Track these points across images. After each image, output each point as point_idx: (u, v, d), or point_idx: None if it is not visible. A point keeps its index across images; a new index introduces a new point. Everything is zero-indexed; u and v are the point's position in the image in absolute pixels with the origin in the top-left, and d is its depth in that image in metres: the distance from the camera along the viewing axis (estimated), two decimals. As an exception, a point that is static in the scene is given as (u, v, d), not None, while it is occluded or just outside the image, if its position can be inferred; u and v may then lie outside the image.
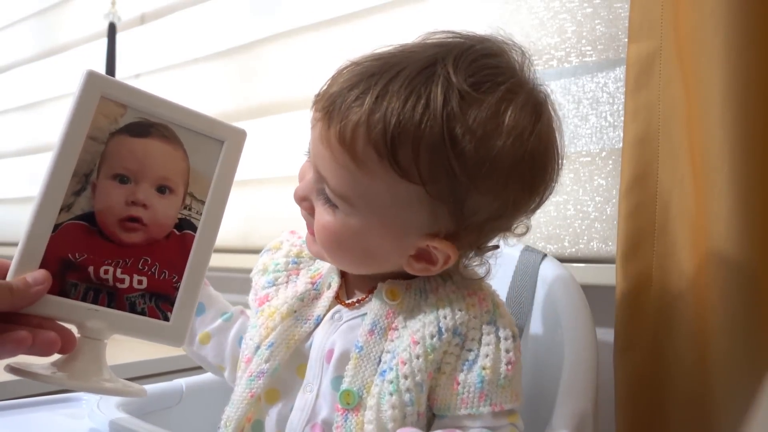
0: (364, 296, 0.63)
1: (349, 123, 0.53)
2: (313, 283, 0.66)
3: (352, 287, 0.66)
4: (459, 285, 0.61)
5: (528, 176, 0.57)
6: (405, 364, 0.56)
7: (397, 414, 0.55)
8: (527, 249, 0.82)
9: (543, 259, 0.80)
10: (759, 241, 0.69)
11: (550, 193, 0.60)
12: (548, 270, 0.79)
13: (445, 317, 0.57)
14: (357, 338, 0.60)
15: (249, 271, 0.73)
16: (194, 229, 0.60)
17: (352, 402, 0.57)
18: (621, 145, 0.83)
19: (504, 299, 0.80)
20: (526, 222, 0.62)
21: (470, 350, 0.57)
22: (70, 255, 0.56)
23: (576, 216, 0.97)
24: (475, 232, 0.58)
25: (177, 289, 0.59)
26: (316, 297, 0.65)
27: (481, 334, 0.57)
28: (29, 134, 2.31)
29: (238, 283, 1.23)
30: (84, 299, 0.56)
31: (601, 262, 0.93)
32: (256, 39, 1.52)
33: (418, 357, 0.56)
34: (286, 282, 0.68)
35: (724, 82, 0.70)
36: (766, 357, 0.69)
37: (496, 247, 0.63)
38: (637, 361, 0.80)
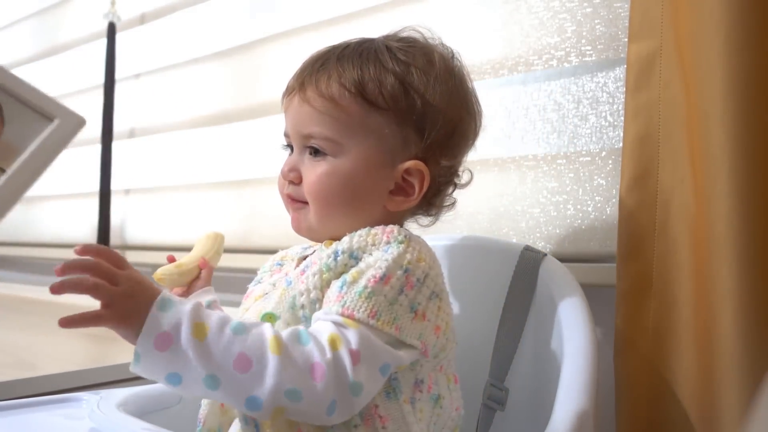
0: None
1: (322, 79, 0.66)
2: (286, 273, 0.70)
3: None
4: (376, 228, 0.64)
5: (461, 94, 0.71)
6: (303, 283, 0.62)
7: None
8: (527, 249, 0.82)
9: (543, 258, 0.80)
10: (759, 241, 0.69)
11: (481, 126, 0.73)
12: (548, 270, 0.79)
13: (343, 243, 0.63)
14: (288, 277, 0.66)
15: (249, 270, 0.73)
16: None
17: (272, 323, 0.61)
18: (621, 144, 0.83)
19: (504, 299, 0.80)
20: (469, 168, 0.74)
21: (355, 266, 0.61)
22: None
23: (576, 216, 0.97)
24: (438, 149, 0.68)
25: None
26: (279, 271, 0.73)
27: (371, 254, 0.61)
28: (29, 134, 2.32)
29: (238, 283, 1.23)
30: None
31: (601, 262, 0.93)
32: (255, 39, 1.52)
33: (314, 275, 0.62)
34: (270, 279, 0.73)
35: (724, 82, 0.70)
36: (767, 357, 0.69)
37: (453, 204, 0.74)
38: (637, 361, 0.80)
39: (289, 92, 0.71)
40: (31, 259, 2.28)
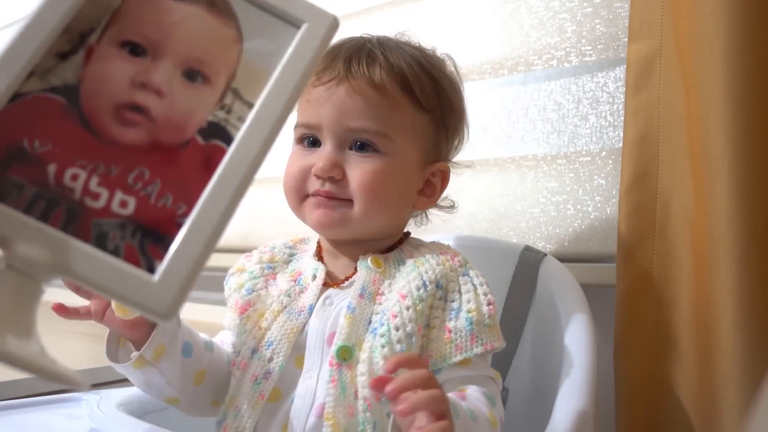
0: (351, 273, 0.67)
1: (374, 70, 0.65)
2: (294, 281, 0.68)
3: (338, 273, 0.69)
4: (430, 248, 0.68)
5: (463, 99, 0.74)
6: (396, 316, 0.61)
7: None
8: (527, 249, 0.82)
9: (543, 258, 0.80)
10: (759, 240, 0.69)
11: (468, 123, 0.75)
12: (548, 270, 0.79)
13: (426, 272, 0.63)
14: (349, 302, 0.63)
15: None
16: (229, 141, 0.40)
17: (348, 357, 0.61)
18: (621, 144, 0.83)
19: (504, 299, 0.80)
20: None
21: (453, 301, 0.63)
22: (25, 141, 0.37)
23: (576, 216, 0.97)
24: (453, 149, 0.73)
25: (180, 226, 0.37)
26: (302, 291, 0.67)
27: (459, 285, 0.64)
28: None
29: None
30: (28, 210, 0.36)
31: (601, 262, 0.93)
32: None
33: (407, 308, 0.61)
34: (266, 287, 0.69)
35: (724, 82, 0.70)
36: (766, 356, 0.69)
37: (453, 206, 0.77)
38: (637, 361, 0.80)
39: (325, 81, 0.65)
40: (31, 259, 2.27)
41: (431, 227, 0.79)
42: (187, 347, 0.65)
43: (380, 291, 0.64)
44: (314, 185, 0.66)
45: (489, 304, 0.62)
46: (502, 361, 0.78)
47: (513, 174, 1.04)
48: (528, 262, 0.80)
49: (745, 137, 0.69)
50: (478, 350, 0.60)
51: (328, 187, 0.65)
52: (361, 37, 0.69)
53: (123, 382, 0.74)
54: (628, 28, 0.82)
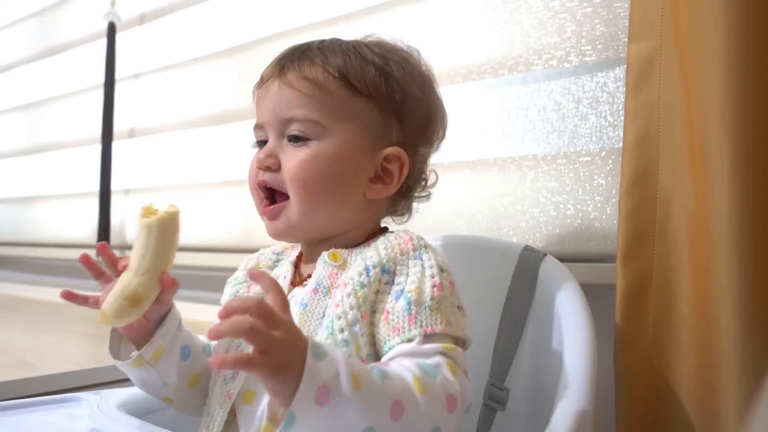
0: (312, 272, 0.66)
1: (305, 63, 0.66)
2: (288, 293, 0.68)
3: (304, 272, 0.68)
4: (387, 236, 0.65)
5: (433, 88, 0.72)
6: (338, 306, 0.59)
7: None
8: (527, 249, 0.82)
9: (543, 258, 0.80)
10: (759, 240, 0.69)
11: (447, 121, 0.74)
12: (548, 270, 0.79)
13: (371, 257, 0.61)
14: (302, 298, 0.63)
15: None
16: None
17: None
18: (621, 144, 0.83)
19: (504, 299, 0.80)
20: (435, 171, 0.75)
21: (398, 284, 0.60)
22: None
23: (576, 216, 0.97)
24: (416, 137, 0.69)
25: None
26: None
27: (408, 268, 0.61)
28: (29, 134, 2.31)
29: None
30: None
31: (601, 262, 0.93)
32: (255, 39, 1.52)
33: (348, 296, 0.59)
34: (248, 291, 0.70)
35: (724, 82, 0.70)
36: (766, 356, 0.69)
37: (428, 196, 0.75)
38: (637, 361, 0.80)
39: (264, 81, 0.68)
40: (31, 259, 2.28)
41: (430, 227, 0.79)
42: (185, 350, 0.67)
43: (335, 285, 0.63)
44: (258, 176, 0.67)
45: (434, 286, 0.58)
46: (502, 361, 0.78)
47: (513, 174, 1.04)
48: (528, 262, 0.80)
49: (745, 137, 0.69)
50: (416, 332, 0.56)
51: (263, 176, 0.66)
52: (306, 42, 0.70)
53: (123, 382, 0.74)
54: (628, 27, 0.82)
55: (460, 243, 0.88)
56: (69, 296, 0.62)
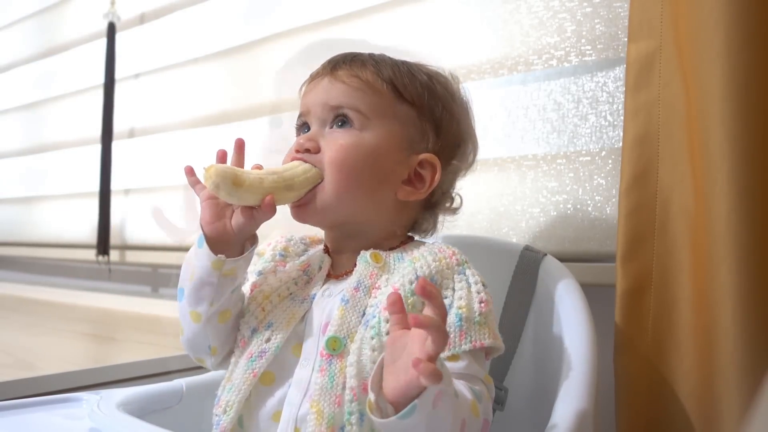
0: (351, 268, 0.68)
1: (356, 66, 0.70)
2: (303, 270, 0.71)
3: (340, 267, 0.71)
4: (430, 248, 0.68)
5: (469, 115, 0.76)
6: (386, 309, 0.60)
7: (376, 356, 0.58)
8: (527, 249, 0.82)
9: (543, 258, 0.80)
10: (759, 240, 0.69)
11: (477, 150, 0.77)
12: (548, 269, 0.79)
13: (421, 267, 0.64)
14: (343, 294, 0.65)
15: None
16: None
17: (337, 348, 0.61)
18: (621, 144, 0.83)
19: (504, 299, 0.80)
20: (459, 194, 0.78)
21: (445, 297, 0.63)
22: None
23: (576, 215, 0.97)
24: (450, 150, 0.73)
25: None
26: (308, 281, 0.70)
27: (454, 282, 0.64)
28: (29, 134, 2.31)
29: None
30: None
31: (601, 261, 0.93)
32: (255, 39, 1.52)
33: None
34: (274, 271, 0.72)
35: (724, 81, 0.70)
36: (767, 356, 0.69)
37: (456, 210, 0.77)
38: (637, 360, 0.80)
39: (314, 78, 0.72)
40: (31, 259, 2.28)
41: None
42: (238, 288, 0.69)
43: (377, 285, 0.65)
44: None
45: (481, 302, 0.62)
46: (502, 361, 0.78)
47: (513, 174, 1.04)
48: (528, 261, 0.80)
49: (745, 136, 0.69)
50: (466, 347, 0.59)
51: (302, 157, 0.68)
52: (358, 51, 0.73)
53: (123, 382, 0.74)
54: (627, 27, 0.82)
55: (459, 243, 0.87)
56: (190, 171, 0.72)
